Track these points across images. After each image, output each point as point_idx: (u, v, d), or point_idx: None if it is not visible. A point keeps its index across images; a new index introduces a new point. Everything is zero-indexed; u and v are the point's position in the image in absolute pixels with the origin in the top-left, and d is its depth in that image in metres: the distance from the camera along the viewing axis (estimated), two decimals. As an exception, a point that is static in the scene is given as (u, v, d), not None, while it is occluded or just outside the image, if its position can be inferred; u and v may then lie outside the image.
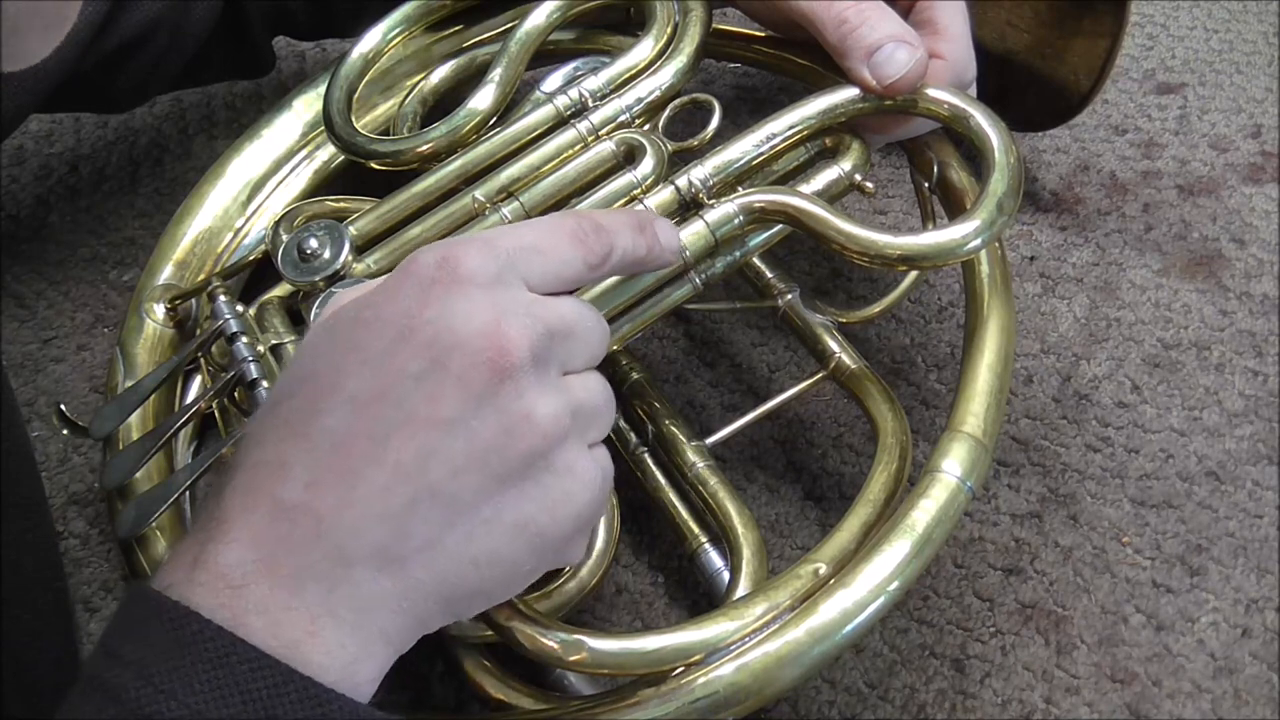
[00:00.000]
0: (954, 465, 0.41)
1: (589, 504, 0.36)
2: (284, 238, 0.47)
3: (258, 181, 0.58)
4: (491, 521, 0.34)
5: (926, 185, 0.51)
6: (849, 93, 0.47)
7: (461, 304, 0.34)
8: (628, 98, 0.49)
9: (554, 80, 0.52)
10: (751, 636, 0.39)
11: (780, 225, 0.46)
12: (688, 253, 0.44)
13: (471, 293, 0.34)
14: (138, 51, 0.55)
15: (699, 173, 0.45)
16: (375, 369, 0.34)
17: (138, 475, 0.48)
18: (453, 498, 0.33)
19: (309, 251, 0.46)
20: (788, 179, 0.49)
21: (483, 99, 0.50)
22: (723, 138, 0.47)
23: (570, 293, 0.38)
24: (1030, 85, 0.60)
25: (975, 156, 0.46)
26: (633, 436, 0.49)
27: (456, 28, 0.58)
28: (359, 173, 0.52)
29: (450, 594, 0.34)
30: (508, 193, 0.47)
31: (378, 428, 0.33)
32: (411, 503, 0.33)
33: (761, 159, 0.47)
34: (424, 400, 0.33)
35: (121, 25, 0.53)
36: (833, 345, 0.49)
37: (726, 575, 0.45)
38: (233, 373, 0.47)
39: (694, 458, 0.47)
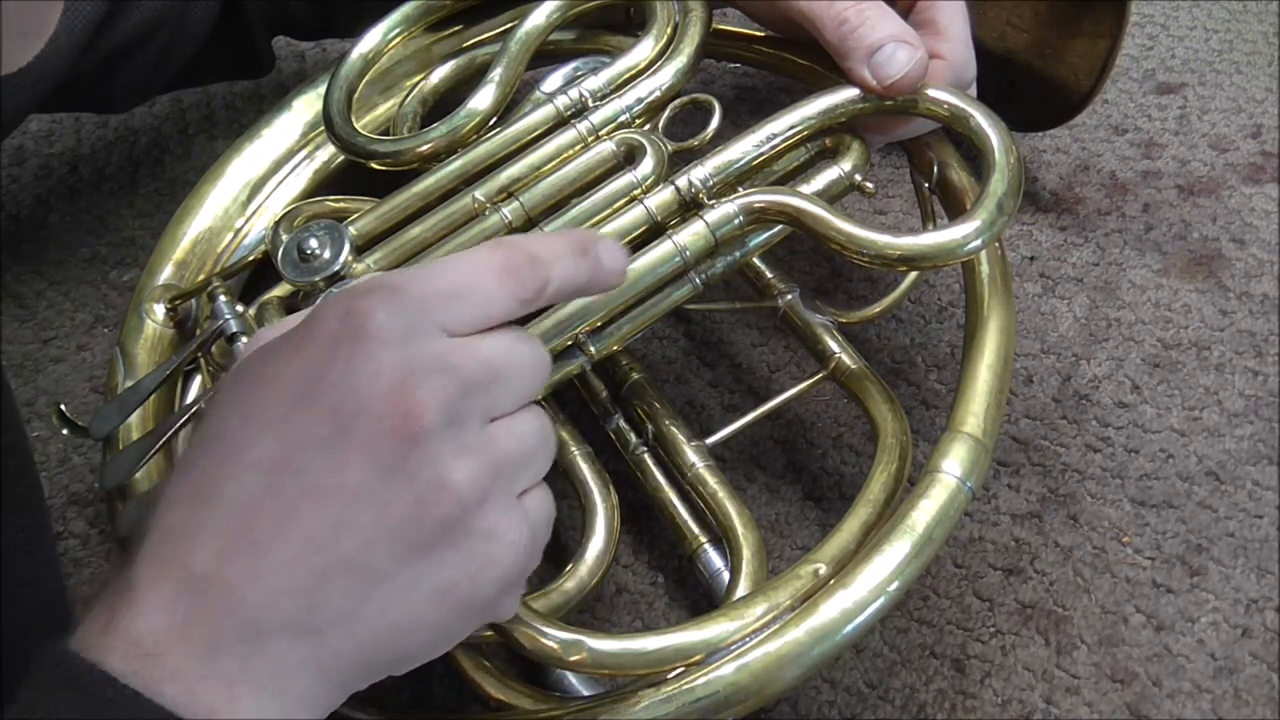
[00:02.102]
0: (954, 465, 0.41)
1: (514, 565, 0.34)
2: (284, 238, 0.47)
3: (258, 181, 0.58)
4: (409, 590, 0.32)
5: (926, 185, 0.51)
6: (849, 93, 0.47)
7: (366, 364, 0.32)
8: (628, 98, 0.49)
9: (554, 80, 0.52)
10: (752, 637, 0.39)
11: (780, 225, 0.46)
12: (688, 253, 0.44)
13: (377, 351, 0.32)
14: (138, 51, 0.55)
15: (699, 173, 0.45)
16: (278, 434, 0.32)
17: (137, 475, 0.48)
18: (367, 569, 0.32)
19: (309, 251, 0.46)
20: (788, 179, 0.49)
21: (483, 99, 0.50)
22: (723, 138, 0.47)
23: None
24: (1030, 85, 0.60)
25: (975, 156, 0.46)
26: (633, 436, 0.49)
27: (456, 28, 0.58)
28: (359, 173, 0.52)
29: (372, 660, 0.33)
30: (508, 193, 0.47)
31: (284, 497, 0.32)
32: (323, 575, 0.31)
33: (761, 159, 0.46)
34: (330, 469, 0.32)
35: (121, 25, 0.53)
36: (833, 345, 0.49)
37: (726, 575, 0.45)
38: (233, 373, 0.47)
39: (694, 458, 0.47)
